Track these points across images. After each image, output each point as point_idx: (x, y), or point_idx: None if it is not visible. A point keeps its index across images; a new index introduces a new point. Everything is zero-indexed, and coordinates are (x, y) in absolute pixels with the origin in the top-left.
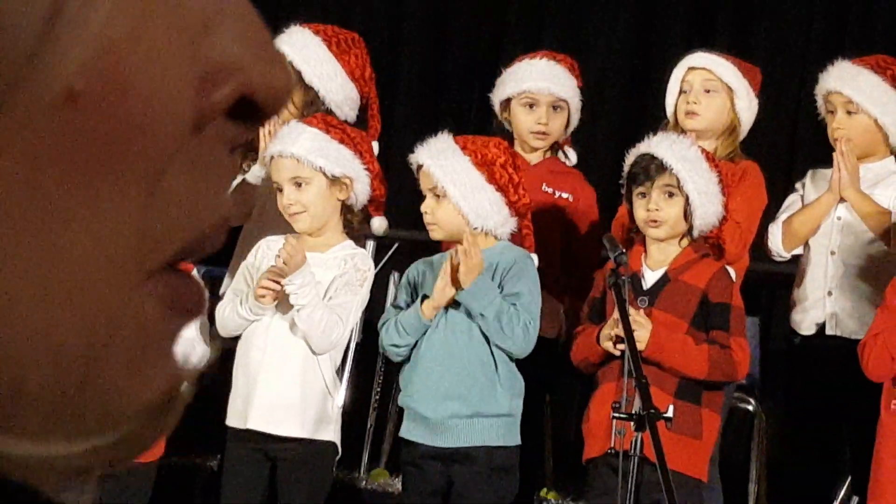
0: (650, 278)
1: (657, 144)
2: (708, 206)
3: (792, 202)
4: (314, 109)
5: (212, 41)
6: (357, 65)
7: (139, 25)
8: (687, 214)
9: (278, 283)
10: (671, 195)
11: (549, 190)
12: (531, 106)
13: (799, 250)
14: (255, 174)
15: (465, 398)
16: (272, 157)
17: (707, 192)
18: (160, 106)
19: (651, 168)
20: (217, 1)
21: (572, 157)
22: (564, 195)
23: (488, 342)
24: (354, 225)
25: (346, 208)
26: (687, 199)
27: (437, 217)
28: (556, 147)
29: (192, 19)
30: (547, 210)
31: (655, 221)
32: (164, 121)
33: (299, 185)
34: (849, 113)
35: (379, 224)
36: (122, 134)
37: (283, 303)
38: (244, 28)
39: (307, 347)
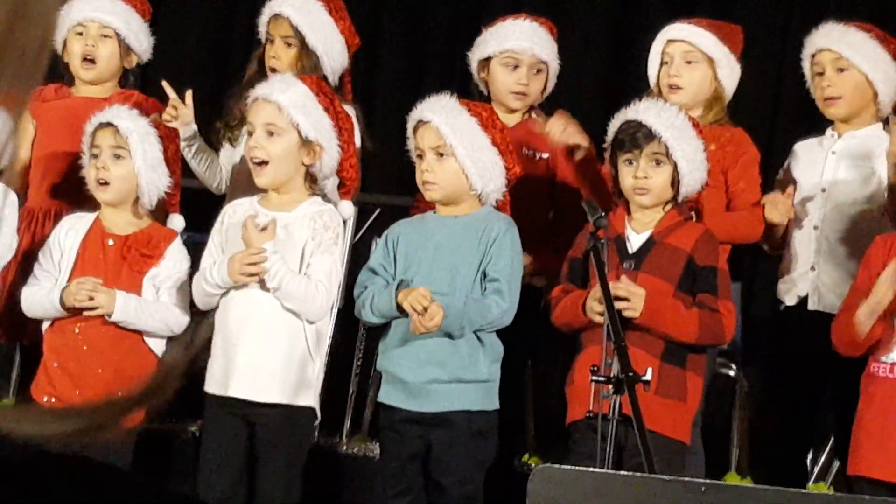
0: (635, 241)
1: (645, 111)
2: (695, 174)
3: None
4: (311, 73)
5: None
6: (349, 32)
7: None
8: (674, 182)
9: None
10: (659, 163)
11: (529, 152)
12: (513, 67)
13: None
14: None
15: (445, 364)
16: (255, 99)
17: (694, 160)
18: None
19: (638, 136)
20: None
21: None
22: (544, 156)
23: None
24: (317, 193)
25: (309, 176)
26: (675, 167)
27: (438, 176)
28: (530, 109)
29: None
30: (527, 171)
31: (643, 189)
32: None
33: (271, 133)
34: (839, 71)
35: (347, 208)
36: None
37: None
38: None
39: (288, 314)
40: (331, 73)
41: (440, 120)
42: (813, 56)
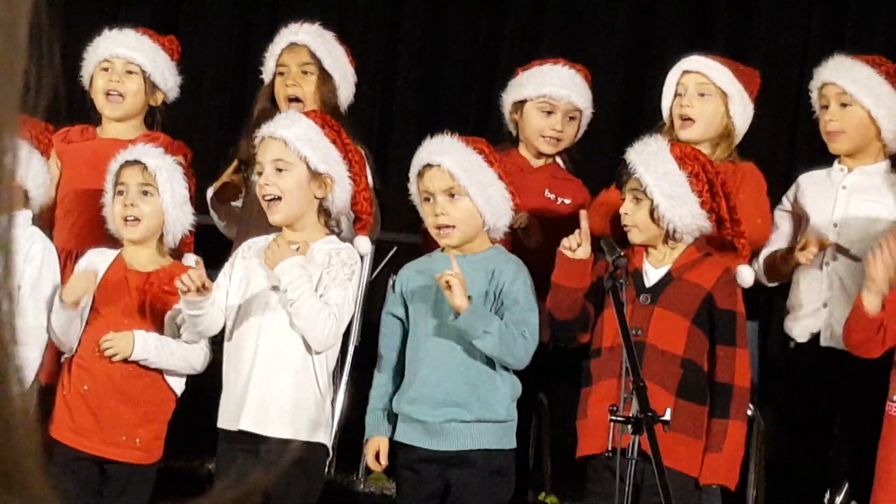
0: (653, 276)
1: (631, 149)
2: (678, 209)
3: (778, 221)
4: (331, 103)
5: None
6: (355, 68)
7: None
8: (655, 217)
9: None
10: (638, 200)
11: (552, 196)
12: (548, 112)
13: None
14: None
15: (465, 404)
16: (262, 139)
17: (674, 195)
18: None
19: (623, 173)
20: None
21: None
22: (566, 201)
23: None
24: (333, 230)
25: (323, 211)
26: (652, 202)
27: (454, 218)
28: (563, 158)
29: None
30: (548, 215)
31: (626, 226)
32: None
33: (280, 170)
34: (843, 106)
35: (363, 244)
36: None
37: (275, 303)
38: None
39: (300, 349)
40: (345, 102)
41: (450, 161)
42: (820, 88)
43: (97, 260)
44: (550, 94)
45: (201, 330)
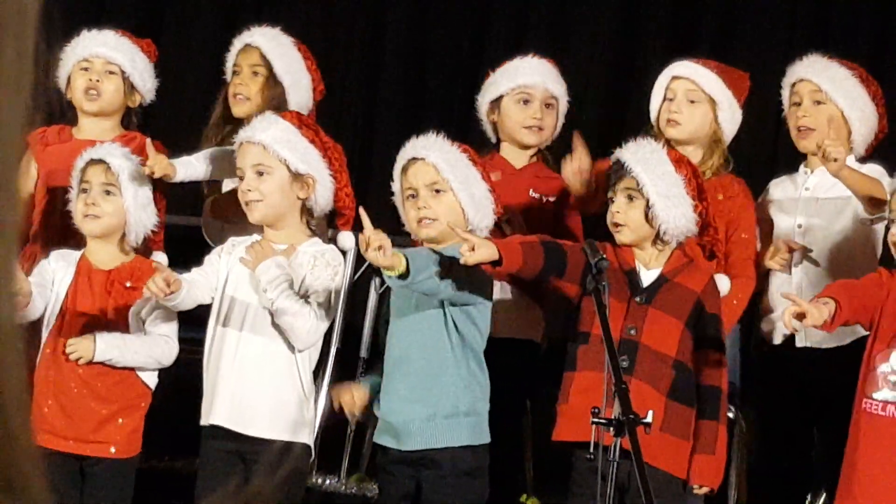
0: (646, 277)
1: (624, 149)
2: (672, 209)
3: None
4: (277, 106)
5: None
6: (316, 75)
7: None
8: (649, 217)
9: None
10: (632, 198)
11: (536, 195)
12: (525, 102)
13: None
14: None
15: (423, 400)
16: (240, 144)
17: (670, 196)
18: None
19: (615, 173)
20: None
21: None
22: (552, 199)
23: (449, 344)
24: (314, 229)
25: (306, 211)
26: (648, 202)
27: (436, 212)
28: (539, 152)
29: None
30: (535, 214)
31: (617, 225)
32: None
33: (261, 174)
34: (816, 103)
35: (347, 239)
36: None
37: (258, 302)
38: None
39: (284, 350)
40: (295, 108)
41: (435, 156)
42: (793, 85)
43: (66, 260)
44: (525, 83)
45: (183, 307)
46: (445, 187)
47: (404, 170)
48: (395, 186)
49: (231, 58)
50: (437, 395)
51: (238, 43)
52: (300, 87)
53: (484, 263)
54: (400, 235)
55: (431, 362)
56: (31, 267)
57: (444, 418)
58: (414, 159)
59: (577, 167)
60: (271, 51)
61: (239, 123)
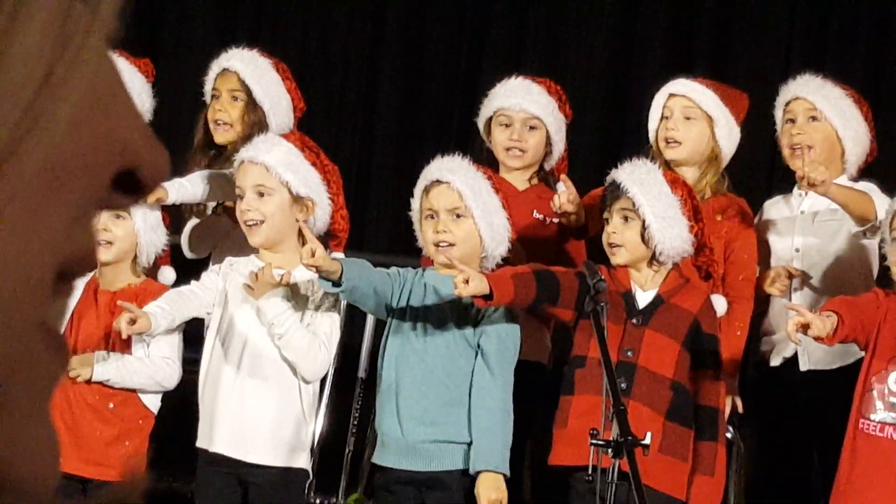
0: (642, 299)
1: (621, 169)
2: (668, 230)
3: None
4: (259, 130)
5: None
6: (295, 94)
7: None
8: (645, 238)
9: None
10: (627, 219)
11: (540, 216)
12: (507, 125)
13: None
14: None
15: (439, 423)
16: (241, 162)
17: (665, 216)
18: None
19: (611, 193)
20: (119, 95)
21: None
22: (554, 220)
23: (465, 365)
24: None
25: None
26: (644, 222)
27: (456, 237)
28: (544, 177)
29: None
30: (539, 235)
31: (613, 245)
32: (97, 179)
33: (262, 194)
34: (811, 120)
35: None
36: (72, 175)
37: (258, 326)
38: (135, 115)
39: (287, 374)
40: (275, 130)
41: (460, 181)
42: (787, 104)
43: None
44: (502, 106)
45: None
46: (467, 213)
47: (426, 190)
48: (415, 205)
49: (209, 81)
50: (454, 420)
51: (216, 66)
52: (280, 109)
53: (476, 297)
54: (394, 254)
55: (462, 389)
56: None
57: (458, 443)
58: (438, 182)
59: (565, 199)
60: (249, 75)
61: (223, 148)
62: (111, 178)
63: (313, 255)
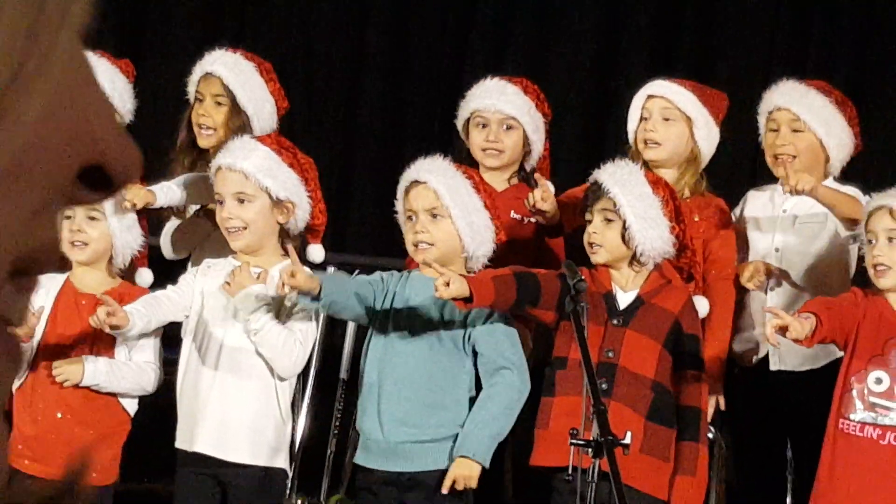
0: (623, 300)
1: (603, 170)
2: (649, 231)
3: None
4: (243, 135)
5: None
6: (279, 95)
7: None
8: (625, 238)
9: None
10: (609, 220)
11: (518, 216)
12: (483, 126)
13: None
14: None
15: (421, 425)
16: (218, 168)
17: (647, 217)
18: (63, 158)
19: (593, 193)
20: (89, 91)
21: (550, 187)
22: (532, 220)
23: (449, 367)
24: (286, 249)
25: (283, 232)
26: (625, 223)
27: (434, 237)
28: (525, 176)
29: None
30: (517, 236)
31: (593, 245)
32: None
33: (242, 201)
34: (794, 131)
35: (317, 252)
36: (37, 166)
37: (235, 326)
38: (106, 111)
39: (264, 374)
40: (259, 134)
41: (437, 181)
42: (770, 112)
43: (47, 285)
44: (478, 108)
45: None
46: (444, 213)
47: (406, 191)
48: (398, 207)
49: (192, 83)
50: (437, 422)
51: (199, 70)
52: (263, 113)
53: (456, 300)
54: (377, 256)
55: (444, 391)
56: None
57: (438, 442)
58: (416, 182)
59: (539, 196)
60: (233, 80)
61: (206, 149)
62: (77, 173)
63: (293, 276)
